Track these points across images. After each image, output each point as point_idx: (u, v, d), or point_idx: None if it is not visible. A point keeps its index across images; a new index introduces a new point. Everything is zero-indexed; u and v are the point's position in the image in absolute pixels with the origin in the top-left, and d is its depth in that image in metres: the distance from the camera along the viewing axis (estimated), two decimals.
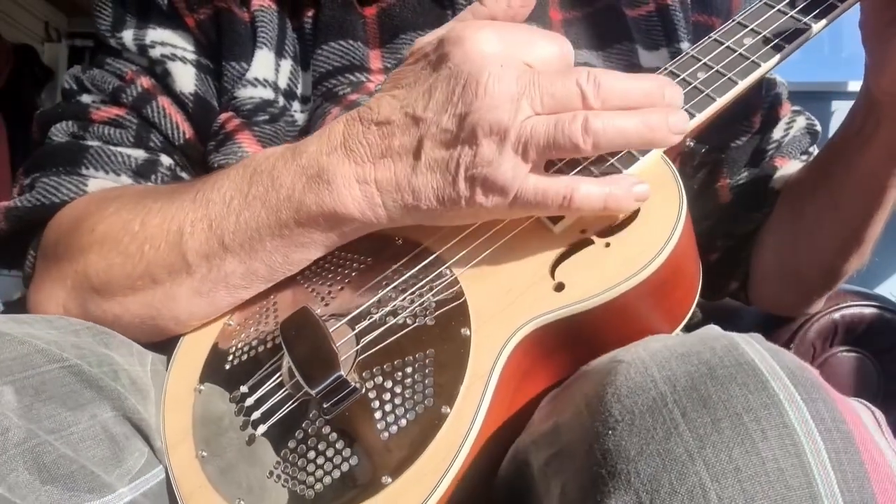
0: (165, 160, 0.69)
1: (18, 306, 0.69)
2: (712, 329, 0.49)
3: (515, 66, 0.48)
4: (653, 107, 0.49)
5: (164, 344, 0.60)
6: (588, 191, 0.50)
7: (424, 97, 0.50)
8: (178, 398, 0.57)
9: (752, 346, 0.43)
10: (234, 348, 0.58)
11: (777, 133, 0.79)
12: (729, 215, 0.78)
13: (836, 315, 0.84)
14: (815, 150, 0.80)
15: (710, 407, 0.39)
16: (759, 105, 0.78)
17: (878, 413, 0.46)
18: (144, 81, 0.70)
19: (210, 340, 0.60)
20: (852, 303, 0.84)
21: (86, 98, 0.71)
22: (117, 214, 0.60)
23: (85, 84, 0.71)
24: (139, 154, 0.68)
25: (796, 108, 0.81)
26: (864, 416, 0.42)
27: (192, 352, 0.60)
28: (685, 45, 0.71)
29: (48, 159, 0.69)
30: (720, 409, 0.39)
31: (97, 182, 0.67)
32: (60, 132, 0.70)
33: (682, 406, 0.40)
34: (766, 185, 0.77)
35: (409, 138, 0.51)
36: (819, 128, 0.80)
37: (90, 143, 0.68)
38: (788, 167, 0.78)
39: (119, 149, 0.68)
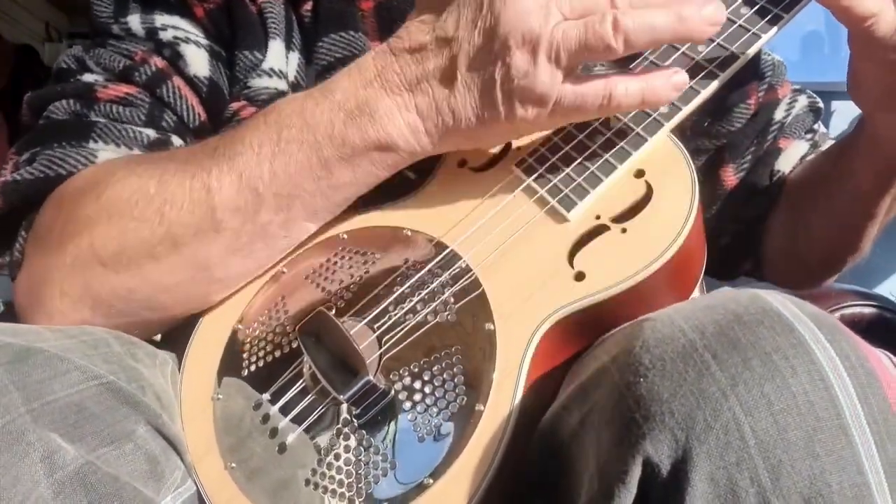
0: (177, 141, 0.66)
1: (11, 310, 0.64)
2: (727, 288, 0.51)
3: None
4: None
5: (177, 347, 0.59)
6: (626, 87, 0.50)
7: (454, 15, 0.50)
8: (196, 409, 0.57)
9: (774, 295, 0.45)
10: (248, 353, 0.58)
11: (779, 114, 0.79)
12: (736, 199, 0.80)
13: (836, 315, 0.86)
14: (819, 127, 0.81)
15: (740, 349, 0.41)
16: (756, 86, 0.78)
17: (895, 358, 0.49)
18: (158, 61, 0.67)
19: (220, 347, 0.59)
20: (852, 302, 0.86)
21: (89, 77, 0.66)
22: (127, 179, 0.57)
23: (88, 64, 0.67)
24: (150, 132, 0.65)
25: (797, 86, 0.82)
26: (883, 358, 0.44)
27: (203, 359, 0.59)
28: None
29: (50, 134, 0.64)
30: (749, 350, 0.41)
31: (107, 155, 0.62)
32: (60, 110, 0.65)
33: (712, 349, 0.41)
34: (772, 169, 0.79)
35: (442, 59, 0.51)
36: (821, 104, 0.81)
37: (96, 119, 0.64)
38: (792, 148, 0.79)
39: (128, 126, 0.64)
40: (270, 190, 0.53)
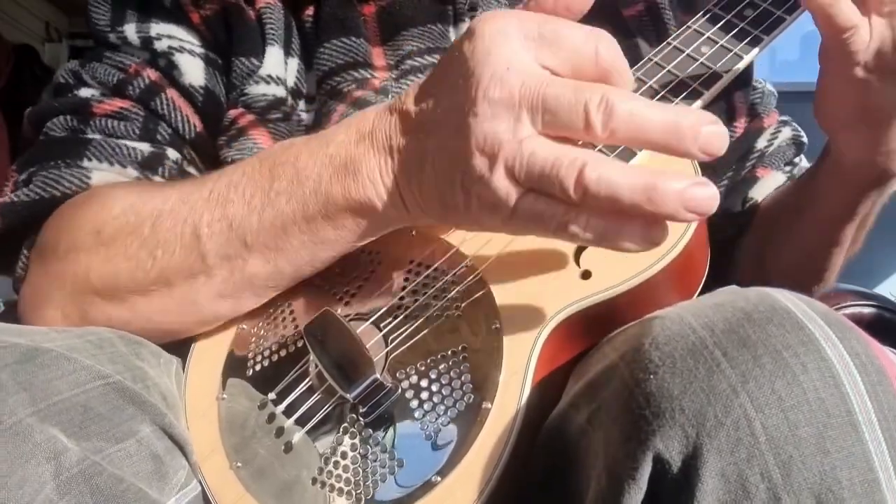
0: (172, 154, 0.67)
1: (12, 309, 0.65)
2: (735, 287, 0.51)
3: (524, 69, 0.43)
4: (679, 143, 0.42)
5: (181, 347, 0.59)
6: (588, 223, 0.44)
7: (437, 90, 0.47)
8: (200, 409, 0.57)
9: (783, 293, 0.45)
10: (252, 353, 0.58)
11: (761, 143, 0.79)
12: (708, 222, 0.79)
13: None
14: (800, 161, 0.81)
15: (750, 346, 0.41)
16: (743, 108, 0.78)
17: None
18: (151, 73, 0.67)
19: (225, 347, 0.59)
20: (852, 302, 0.86)
21: (85, 92, 0.67)
22: (125, 217, 0.57)
23: (84, 78, 0.68)
24: (144, 147, 0.65)
25: (784, 118, 0.82)
26: (890, 355, 0.44)
27: (207, 360, 0.59)
28: None
29: (46, 153, 0.65)
30: (760, 347, 0.41)
31: (101, 175, 0.63)
32: (58, 127, 0.66)
33: (722, 347, 0.41)
34: (745, 196, 0.78)
35: (422, 134, 0.48)
36: (805, 139, 0.81)
37: (91, 136, 0.65)
38: (769, 178, 0.78)
39: (123, 141, 0.65)
40: (258, 241, 0.53)
